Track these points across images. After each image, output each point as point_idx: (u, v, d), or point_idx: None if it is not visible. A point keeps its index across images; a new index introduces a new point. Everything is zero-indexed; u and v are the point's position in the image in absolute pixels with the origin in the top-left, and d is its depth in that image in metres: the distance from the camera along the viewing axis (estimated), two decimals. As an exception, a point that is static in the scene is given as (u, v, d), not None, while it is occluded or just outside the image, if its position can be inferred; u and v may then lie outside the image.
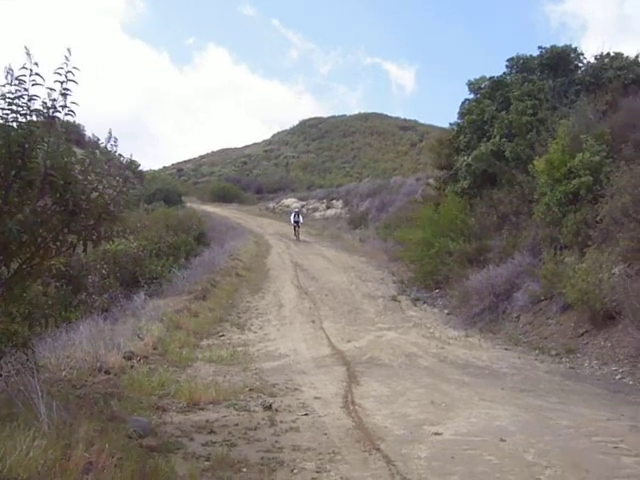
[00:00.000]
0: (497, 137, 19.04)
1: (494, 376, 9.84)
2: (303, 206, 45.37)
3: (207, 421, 7.12)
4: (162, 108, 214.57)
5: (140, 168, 29.64)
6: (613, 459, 5.58)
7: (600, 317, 11.40)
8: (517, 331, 13.39)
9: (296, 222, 32.73)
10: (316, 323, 14.80)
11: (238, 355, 11.48)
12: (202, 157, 76.60)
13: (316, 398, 8.33)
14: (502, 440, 6.15)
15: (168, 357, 10.70)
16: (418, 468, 5.45)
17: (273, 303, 17.38)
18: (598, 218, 12.78)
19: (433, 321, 15.44)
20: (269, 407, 7.72)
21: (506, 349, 12.34)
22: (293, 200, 47.51)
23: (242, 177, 61.15)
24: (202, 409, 7.70)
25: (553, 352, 11.53)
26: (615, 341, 10.81)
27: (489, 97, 20.88)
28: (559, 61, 20.57)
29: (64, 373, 8.14)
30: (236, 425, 6.96)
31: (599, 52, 20.44)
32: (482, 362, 11.05)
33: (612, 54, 20.11)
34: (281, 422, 7.07)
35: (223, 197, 51.03)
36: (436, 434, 6.48)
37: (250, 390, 8.74)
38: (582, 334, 11.73)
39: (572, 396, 8.34)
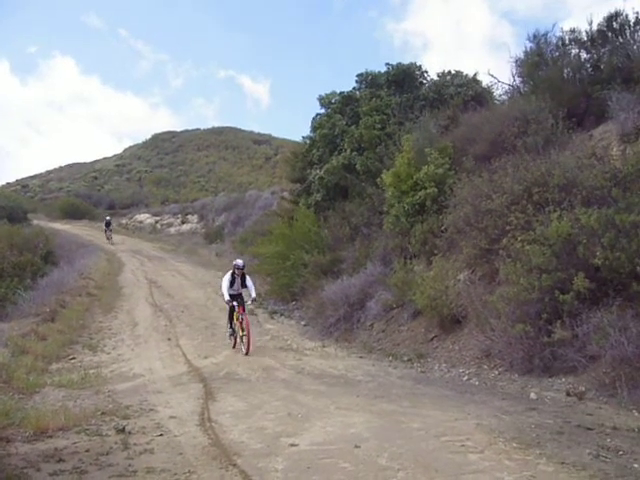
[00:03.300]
0: (348, 151, 19.57)
1: (349, 384, 10.00)
2: (157, 222, 44.38)
3: (56, 449, 6.72)
4: (2, 120, 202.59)
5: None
6: (460, 457, 5.81)
7: (448, 322, 11.91)
8: (371, 339, 13.73)
9: None
10: (172, 341, 14.48)
11: (90, 378, 10.97)
12: (49, 172, 72.97)
13: (172, 417, 8.10)
14: (357, 447, 6.25)
15: (13, 384, 10.01)
16: (275, 481, 5.44)
17: (127, 322, 16.83)
18: (443, 227, 13.36)
19: (290, 333, 15.56)
20: (122, 430, 7.40)
21: (361, 357, 12.62)
22: (147, 216, 46.46)
23: (93, 193, 58.94)
24: (50, 437, 7.27)
25: (405, 358, 11.91)
26: (462, 344, 11.34)
27: (340, 112, 21.44)
28: (405, 77, 21.43)
29: None
30: (87, 451, 6.62)
31: (441, 70, 21.60)
32: (338, 371, 11.21)
33: (453, 72, 21.23)
34: (135, 445, 6.79)
35: (73, 214, 49.02)
36: (292, 445, 6.48)
37: (102, 414, 8.35)
38: (432, 339, 12.21)
39: (423, 399, 8.62)
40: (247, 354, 12.93)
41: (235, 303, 13.69)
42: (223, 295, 13.87)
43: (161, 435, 7.25)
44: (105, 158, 76.73)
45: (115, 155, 77.62)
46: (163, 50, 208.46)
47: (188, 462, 6.16)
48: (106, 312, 18.21)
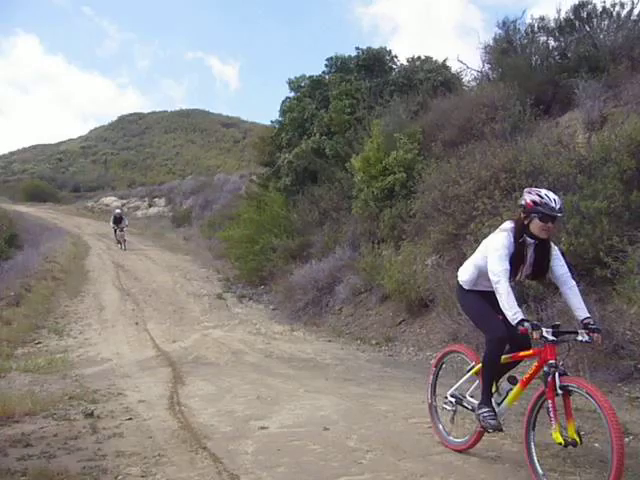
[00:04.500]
0: (317, 135, 19.52)
1: (318, 368, 10.07)
2: (124, 205, 43.97)
3: (23, 434, 6.63)
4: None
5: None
6: (428, 438, 5.91)
7: (415, 306, 12.02)
8: (340, 323, 13.82)
9: None
10: (140, 325, 14.39)
11: (57, 362, 10.84)
12: (12, 154, 71.61)
13: (140, 401, 8.06)
14: (326, 429, 6.31)
15: (-23, 369, 9.93)
16: (245, 463, 5.46)
17: (94, 306, 16.66)
18: (411, 213, 13.44)
19: (259, 317, 15.56)
20: (90, 414, 7.33)
21: (329, 341, 12.70)
22: (113, 199, 45.95)
23: (58, 175, 58.07)
24: (17, 422, 7.16)
25: (373, 341, 12.02)
26: (429, 328, 11.47)
27: (309, 95, 21.34)
28: (375, 62, 21.40)
29: None
30: (55, 436, 6.55)
31: (411, 55, 21.65)
32: (307, 355, 11.28)
33: (422, 57, 21.29)
34: (104, 429, 6.74)
35: (37, 196, 48.23)
36: (262, 428, 6.51)
37: (70, 398, 8.26)
38: (399, 323, 12.33)
39: (391, 382, 8.73)
40: None
41: (542, 331, 4.51)
42: (502, 303, 4.65)
43: (130, 419, 7.21)
44: (70, 140, 75.33)
45: (80, 137, 76.29)
46: (129, 29, 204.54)
47: (158, 445, 6.14)
48: (72, 296, 18.00)
